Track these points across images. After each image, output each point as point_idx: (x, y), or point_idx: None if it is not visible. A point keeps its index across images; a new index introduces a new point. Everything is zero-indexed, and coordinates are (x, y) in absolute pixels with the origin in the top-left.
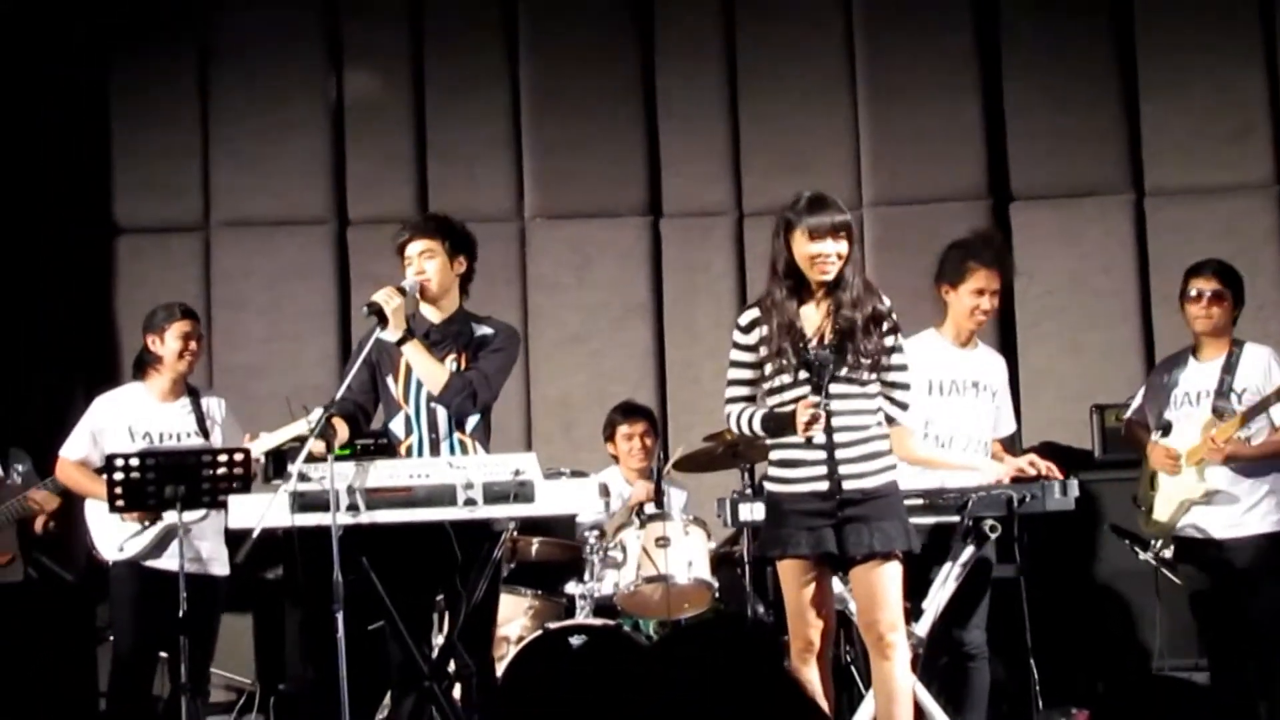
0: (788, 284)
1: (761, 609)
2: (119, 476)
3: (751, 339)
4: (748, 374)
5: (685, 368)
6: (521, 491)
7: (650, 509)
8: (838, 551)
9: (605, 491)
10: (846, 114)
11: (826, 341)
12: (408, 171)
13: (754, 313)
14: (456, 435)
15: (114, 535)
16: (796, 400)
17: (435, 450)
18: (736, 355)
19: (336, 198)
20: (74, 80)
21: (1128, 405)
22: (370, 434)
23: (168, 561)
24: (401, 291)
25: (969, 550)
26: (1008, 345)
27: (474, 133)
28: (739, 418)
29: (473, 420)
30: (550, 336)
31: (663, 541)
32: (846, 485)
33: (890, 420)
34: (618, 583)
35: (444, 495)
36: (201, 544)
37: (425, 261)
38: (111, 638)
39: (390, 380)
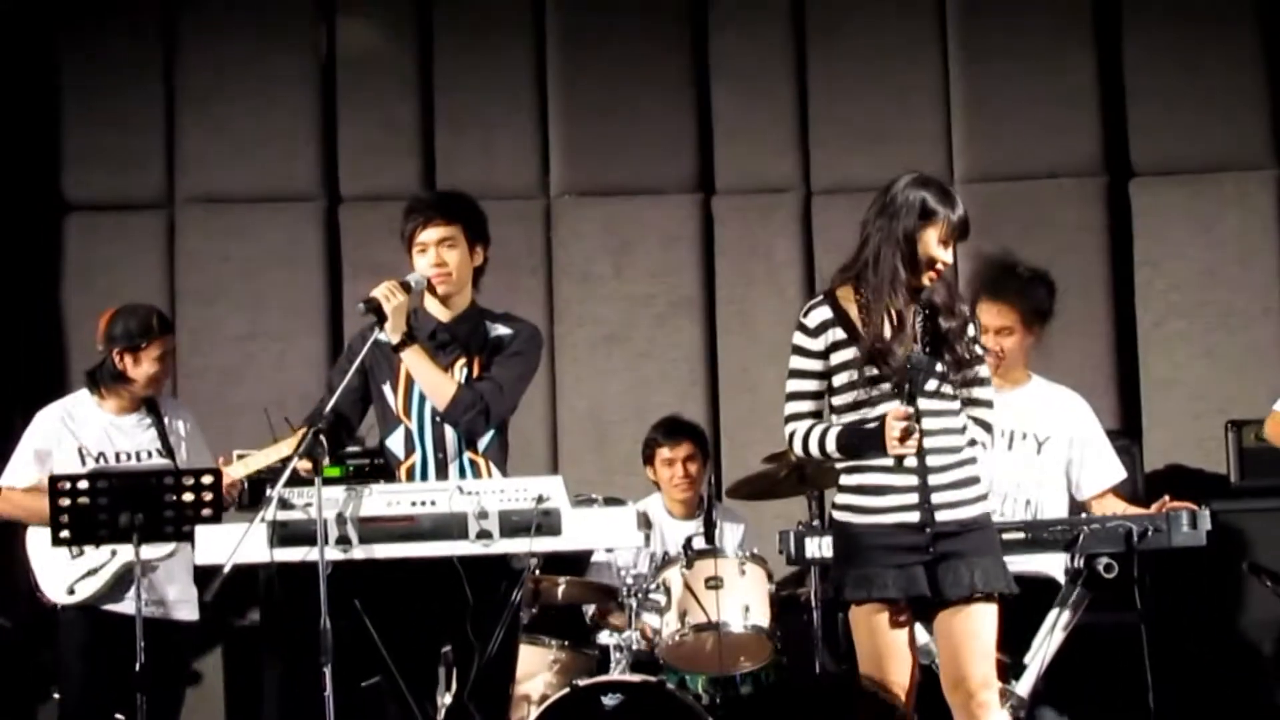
0: (905, 278)
1: (832, 663)
2: (64, 503)
3: (821, 343)
4: (814, 385)
5: (742, 374)
6: (545, 522)
7: (699, 544)
8: (931, 593)
9: (646, 522)
10: (935, 74)
11: (920, 346)
12: (411, 140)
13: (824, 312)
14: (467, 455)
15: (62, 574)
16: (884, 415)
17: (442, 472)
18: (801, 363)
19: (326, 171)
20: (14, 29)
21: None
22: (365, 452)
23: (127, 605)
24: (406, 288)
25: (1079, 594)
26: (1127, 349)
27: (490, 95)
28: (806, 437)
29: (486, 437)
30: (581, 336)
31: (714, 582)
32: (940, 516)
33: (972, 443)
34: (660, 631)
35: (453, 526)
36: (168, 586)
37: (445, 251)
38: (58, 694)
39: (388, 389)
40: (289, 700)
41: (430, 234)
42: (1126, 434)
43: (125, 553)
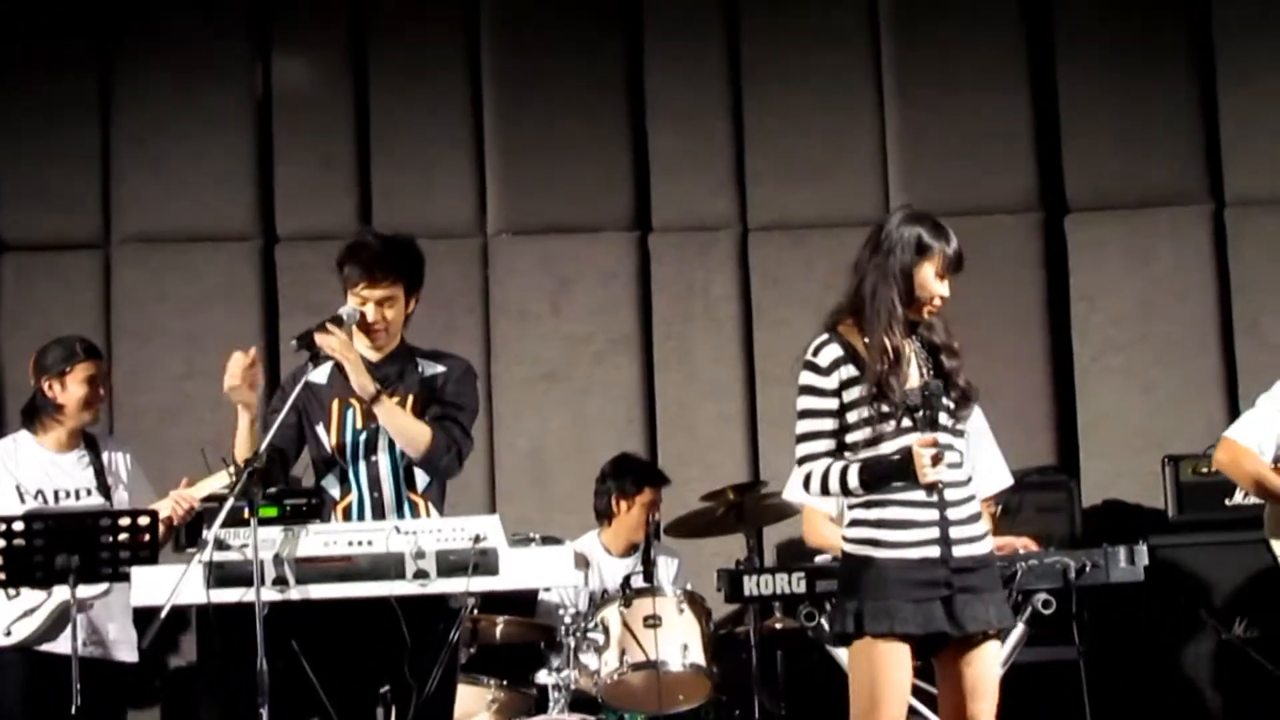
0: (902, 314)
1: (769, 701)
2: None
3: (833, 381)
4: (829, 424)
5: (680, 411)
6: (483, 561)
7: (638, 582)
8: (952, 628)
9: (583, 562)
10: (871, 111)
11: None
12: (348, 178)
13: (835, 349)
14: (407, 495)
15: (0, 615)
16: (904, 447)
17: (378, 512)
18: (813, 402)
19: (263, 210)
20: None
21: (1207, 455)
22: (301, 491)
23: (65, 645)
24: (338, 322)
25: (1019, 630)
26: (1064, 384)
27: (426, 133)
28: (825, 475)
29: (424, 477)
30: (519, 375)
31: (652, 621)
32: (957, 551)
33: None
34: (599, 670)
35: (390, 566)
36: (108, 625)
37: (386, 309)
38: None
39: (321, 429)
40: None
41: (371, 292)
42: (1064, 469)
43: (60, 592)
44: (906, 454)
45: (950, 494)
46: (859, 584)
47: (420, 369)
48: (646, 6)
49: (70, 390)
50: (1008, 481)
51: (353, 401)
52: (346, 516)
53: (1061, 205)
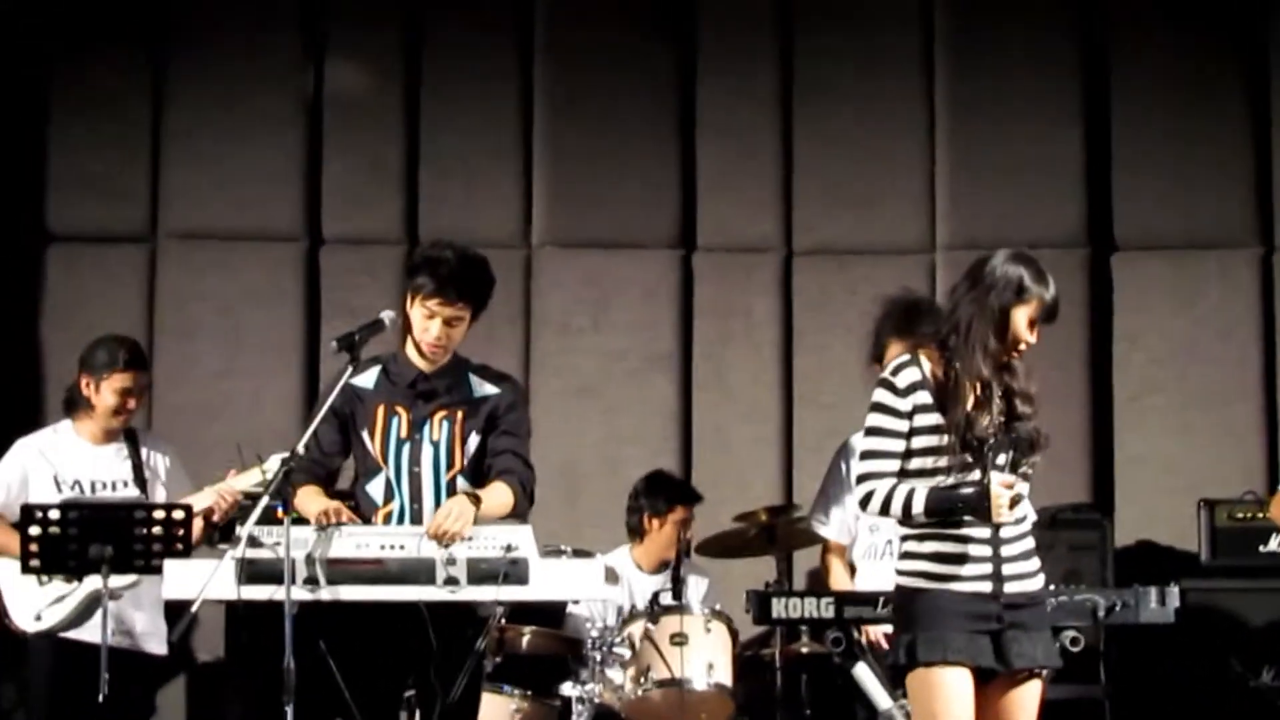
0: (996, 350)
1: None
2: (35, 531)
3: (908, 404)
4: (897, 445)
5: (715, 432)
6: (513, 571)
7: (666, 599)
8: (998, 663)
9: (612, 576)
10: (921, 139)
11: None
12: (395, 184)
13: (914, 373)
14: None
15: (30, 601)
16: (965, 483)
17: (417, 522)
18: (884, 421)
19: (309, 211)
20: (2, 60)
21: (1243, 501)
22: (336, 494)
23: (93, 633)
24: (379, 326)
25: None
26: (1102, 423)
27: (476, 142)
28: (888, 497)
29: (463, 488)
30: (556, 388)
31: (679, 639)
32: (1009, 587)
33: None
34: (623, 685)
35: (421, 571)
36: (136, 615)
37: (450, 329)
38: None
39: (366, 435)
40: None
41: (443, 310)
42: (1098, 508)
43: (91, 581)
44: (982, 490)
45: (1005, 531)
46: (912, 616)
47: (472, 386)
48: (701, 22)
49: (103, 395)
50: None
51: (398, 410)
52: (387, 523)
53: (1109, 243)
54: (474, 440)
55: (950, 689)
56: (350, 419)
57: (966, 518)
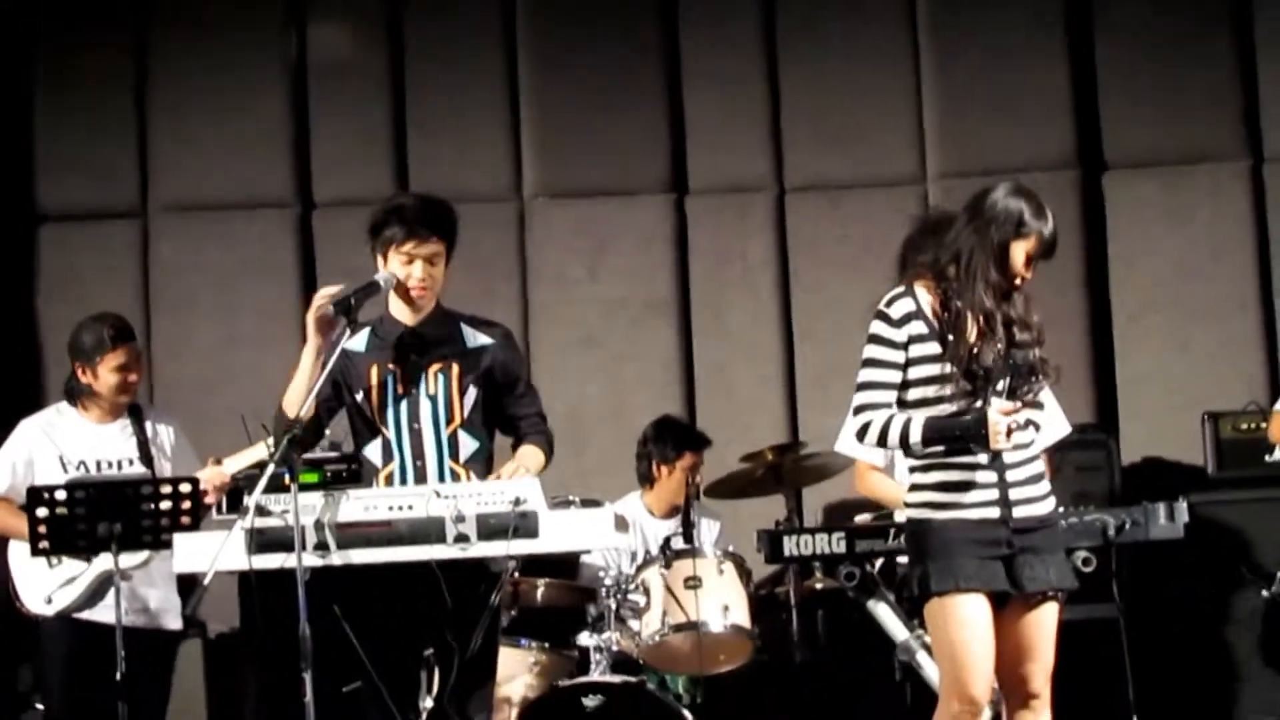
0: (997, 281)
1: (810, 661)
2: (42, 513)
3: (903, 335)
4: (892, 375)
5: (717, 374)
6: (523, 525)
7: (678, 544)
8: (1011, 588)
9: (623, 524)
10: (907, 71)
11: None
12: (383, 145)
13: (908, 303)
14: (449, 464)
15: (41, 584)
16: (965, 410)
17: (421, 480)
18: (880, 352)
19: (299, 177)
20: None
21: (1246, 412)
22: (341, 457)
23: (106, 613)
24: (375, 288)
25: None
26: (1103, 344)
27: (462, 98)
28: (885, 427)
29: (472, 447)
30: (556, 339)
31: (693, 582)
32: (1018, 512)
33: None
34: (640, 632)
35: (430, 530)
36: (150, 592)
37: (430, 267)
38: (40, 706)
39: (361, 398)
40: (271, 706)
41: (420, 249)
42: (1103, 428)
43: (101, 561)
44: (980, 418)
45: (1010, 456)
46: (922, 548)
47: (465, 337)
48: None
49: (103, 378)
50: (1066, 430)
51: (392, 368)
52: (389, 485)
53: (1099, 163)
54: (472, 393)
55: (966, 616)
56: (343, 383)
57: (959, 446)
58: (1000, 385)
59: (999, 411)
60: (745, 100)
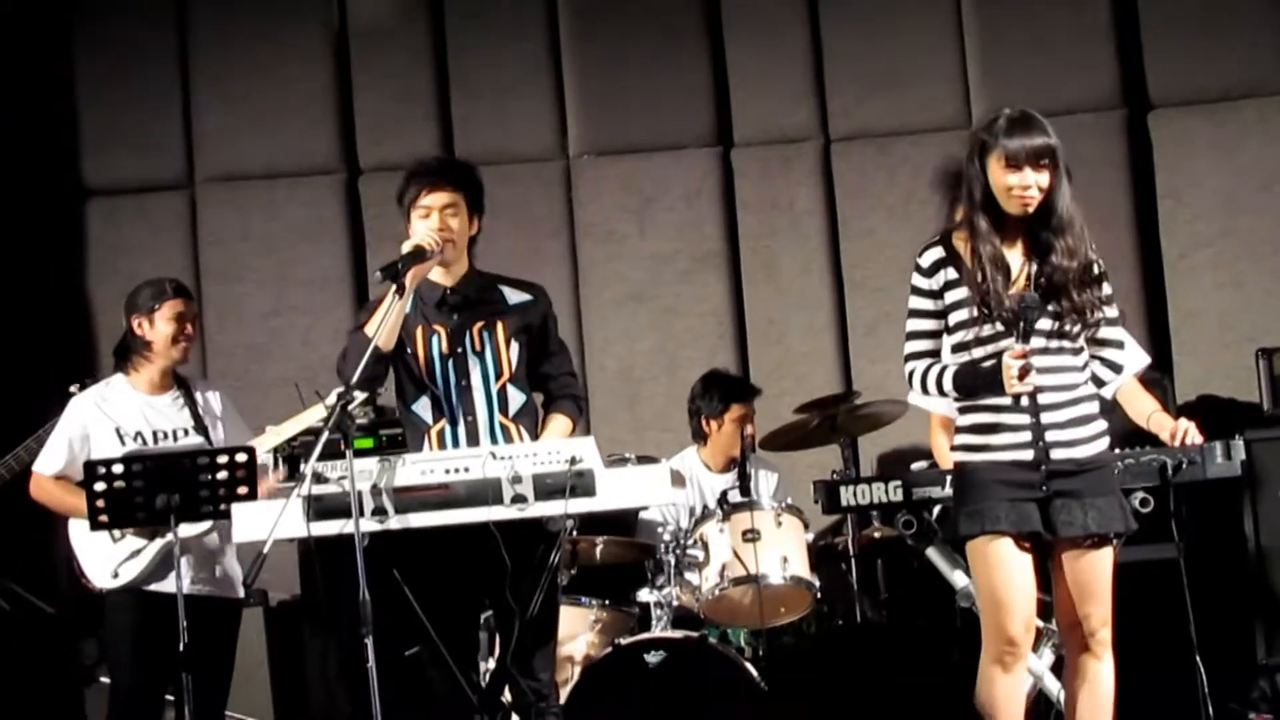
0: (987, 217)
1: (872, 610)
2: (100, 487)
3: (935, 282)
4: (931, 324)
5: (769, 325)
6: (580, 484)
7: (735, 497)
8: (1045, 531)
9: (680, 480)
10: (949, 14)
11: (1032, 287)
12: (427, 108)
13: (937, 251)
14: (498, 419)
15: (105, 558)
16: (998, 354)
17: (473, 438)
18: (917, 302)
19: (344, 143)
20: (28, 17)
21: None
22: (395, 421)
23: (169, 583)
24: (421, 253)
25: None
26: (1154, 282)
27: (504, 57)
28: (924, 376)
29: (519, 401)
30: (607, 296)
31: (751, 535)
32: (1055, 454)
33: (1099, 383)
34: (699, 587)
35: (487, 492)
36: (215, 563)
37: (449, 217)
38: (107, 678)
39: (409, 357)
40: (333, 672)
41: (435, 199)
42: (1157, 367)
43: (166, 533)
44: (997, 363)
45: (1048, 397)
46: (958, 489)
47: (505, 295)
48: None
49: (158, 327)
50: (1145, 360)
51: (436, 327)
52: (440, 442)
53: (1144, 101)
54: (515, 347)
55: (998, 558)
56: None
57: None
58: (1017, 328)
59: (1010, 355)
60: (787, 49)
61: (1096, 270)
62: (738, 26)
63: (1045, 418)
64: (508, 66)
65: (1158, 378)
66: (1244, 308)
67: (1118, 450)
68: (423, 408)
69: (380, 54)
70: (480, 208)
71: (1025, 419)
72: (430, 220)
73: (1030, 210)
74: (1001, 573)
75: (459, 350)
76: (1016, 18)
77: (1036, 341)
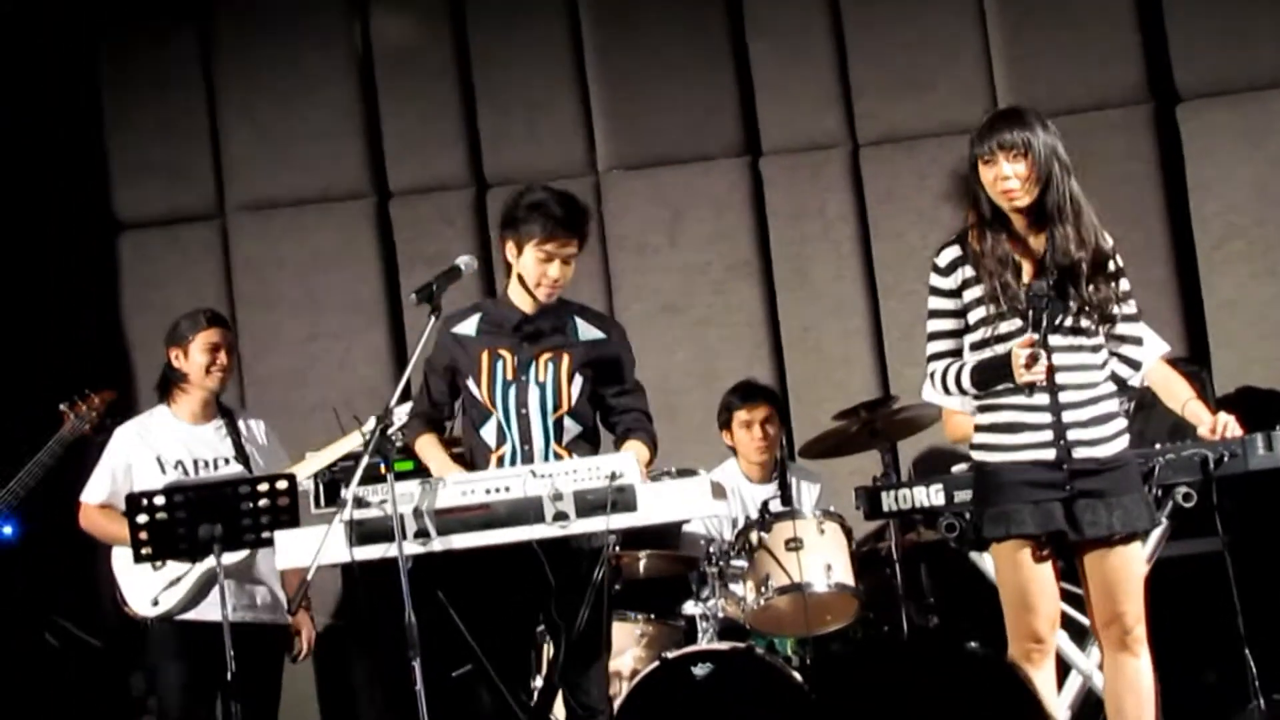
0: (990, 214)
1: (917, 615)
2: (142, 519)
3: (953, 281)
4: (951, 324)
5: (804, 333)
6: (621, 499)
7: (776, 506)
8: (1070, 531)
9: (720, 491)
10: (971, 13)
11: (1046, 281)
12: (455, 128)
13: (954, 250)
14: (553, 447)
15: (146, 586)
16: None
17: (530, 464)
18: (937, 303)
19: (373, 167)
20: (55, 51)
21: None
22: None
23: (213, 611)
24: (456, 273)
25: (1161, 526)
26: (1188, 274)
27: (530, 74)
28: (944, 375)
29: (575, 431)
30: (640, 309)
31: (794, 544)
32: (1077, 453)
33: (1121, 382)
34: (745, 597)
35: (529, 511)
36: (256, 588)
37: (565, 267)
38: (154, 706)
39: (472, 383)
40: (382, 695)
41: (560, 250)
42: (1194, 360)
43: (206, 560)
44: (1009, 353)
45: (1069, 396)
46: (980, 490)
47: (579, 329)
48: None
49: (193, 357)
50: (1164, 347)
51: (502, 353)
52: (500, 466)
53: (1172, 94)
54: (579, 381)
55: (1020, 559)
56: (454, 368)
57: (1006, 385)
58: (1032, 319)
59: (1019, 345)
60: (811, 56)
61: (1113, 266)
62: (761, 33)
63: (1067, 416)
64: (534, 83)
65: (1196, 370)
66: (1279, 297)
67: (1159, 445)
68: (488, 432)
69: (406, 76)
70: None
71: (1047, 418)
72: (550, 265)
73: (1016, 202)
74: (1024, 574)
75: (522, 378)
76: (1040, 14)
77: (1057, 339)
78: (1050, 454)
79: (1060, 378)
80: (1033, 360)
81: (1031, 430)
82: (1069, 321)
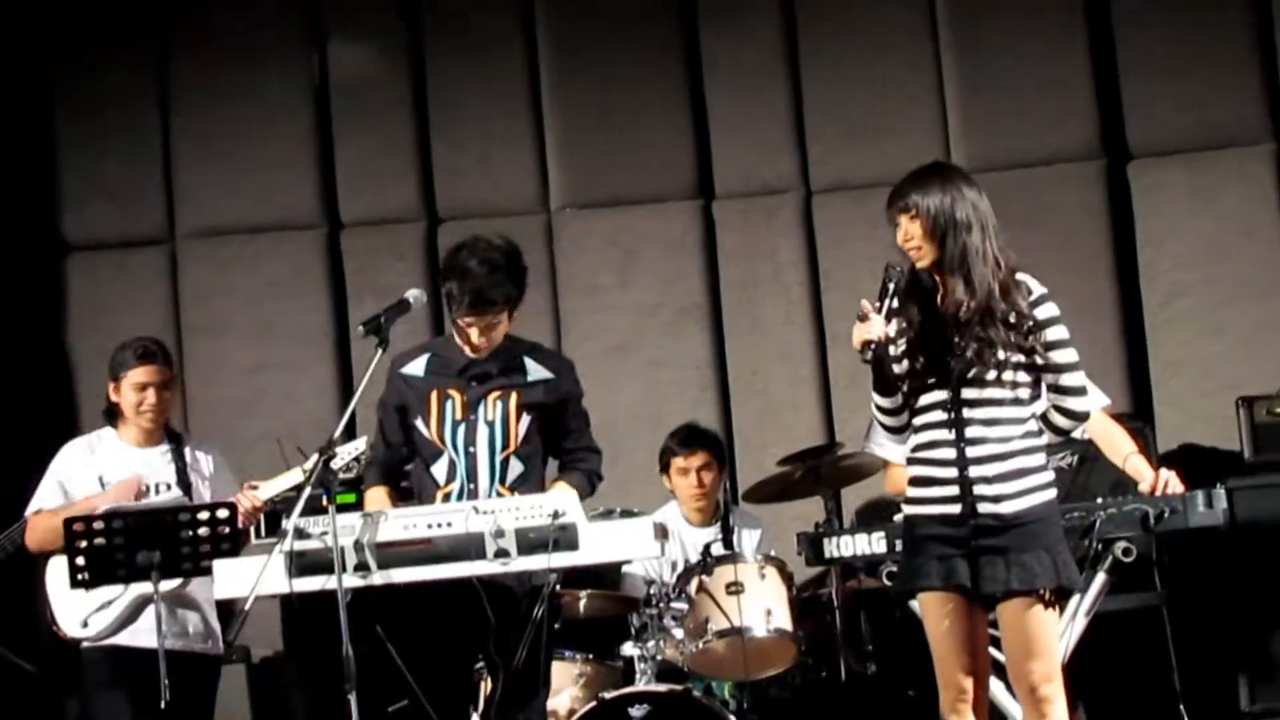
0: (910, 273)
1: (856, 662)
2: (81, 544)
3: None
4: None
5: (752, 377)
6: (562, 537)
7: (718, 550)
8: (971, 586)
9: (663, 533)
10: (928, 66)
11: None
12: (408, 161)
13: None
14: (497, 487)
15: (77, 608)
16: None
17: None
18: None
19: (325, 197)
20: (8, 67)
21: None
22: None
23: (144, 638)
24: (405, 306)
25: (1100, 579)
26: (1134, 331)
27: (485, 110)
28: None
29: (517, 471)
30: (589, 348)
31: (735, 588)
32: (981, 509)
33: (1061, 432)
34: (684, 640)
35: (470, 547)
36: (188, 615)
37: (492, 333)
38: None
39: (421, 423)
40: None
41: (479, 320)
42: (1138, 416)
43: (136, 585)
44: (876, 355)
45: (975, 450)
46: (903, 542)
47: (527, 369)
48: None
49: (124, 394)
50: (1103, 400)
51: (451, 393)
52: (445, 502)
53: (1124, 151)
54: (526, 420)
55: (930, 611)
56: (404, 407)
57: (935, 437)
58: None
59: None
60: (767, 101)
61: (1014, 317)
62: (717, 78)
63: (973, 471)
64: (489, 120)
65: (1139, 426)
66: (1225, 356)
67: (1100, 500)
68: (439, 469)
69: (361, 107)
70: (522, 297)
71: (953, 472)
72: (473, 333)
73: (919, 261)
74: (937, 625)
75: (471, 417)
76: (997, 68)
77: (969, 393)
78: (955, 509)
79: (970, 432)
80: (862, 317)
81: (939, 485)
82: (976, 372)
